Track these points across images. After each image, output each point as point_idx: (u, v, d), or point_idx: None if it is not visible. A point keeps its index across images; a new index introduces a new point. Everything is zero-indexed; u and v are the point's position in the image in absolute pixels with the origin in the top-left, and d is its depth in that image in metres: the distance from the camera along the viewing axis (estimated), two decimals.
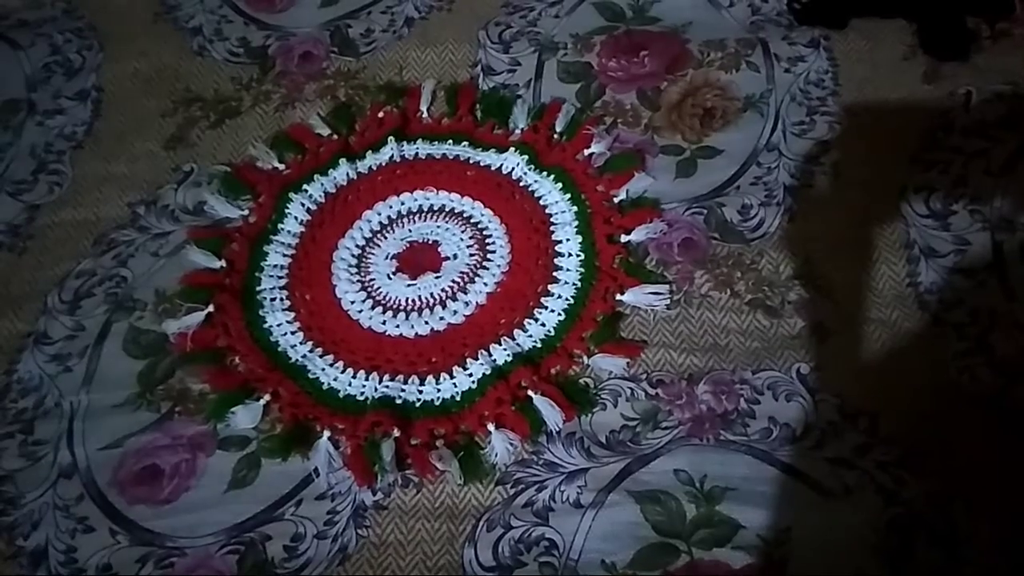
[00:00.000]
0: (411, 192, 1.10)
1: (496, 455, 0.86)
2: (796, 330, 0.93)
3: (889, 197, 1.01)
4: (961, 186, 1.01)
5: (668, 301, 0.95)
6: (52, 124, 1.22)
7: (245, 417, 0.91)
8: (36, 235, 1.11)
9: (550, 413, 0.88)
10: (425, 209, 1.08)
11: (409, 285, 1.01)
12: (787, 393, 0.88)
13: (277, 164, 1.14)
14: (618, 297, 0.97)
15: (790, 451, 0.85)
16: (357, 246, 1.06)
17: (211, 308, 1.00)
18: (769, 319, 0.94)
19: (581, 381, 0.92)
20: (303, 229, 1.08)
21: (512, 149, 1.11)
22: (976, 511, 0.80)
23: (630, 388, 0.90)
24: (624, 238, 1.01)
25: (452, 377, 0.93)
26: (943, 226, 0.98)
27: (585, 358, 0.93)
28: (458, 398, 0.92)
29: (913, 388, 0.88)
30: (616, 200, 1.05)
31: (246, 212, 1.10)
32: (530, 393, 0.90)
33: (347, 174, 1.12)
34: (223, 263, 1.05)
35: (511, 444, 0.87)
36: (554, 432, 0.88)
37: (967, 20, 1.15)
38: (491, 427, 0.88)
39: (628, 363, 0.92)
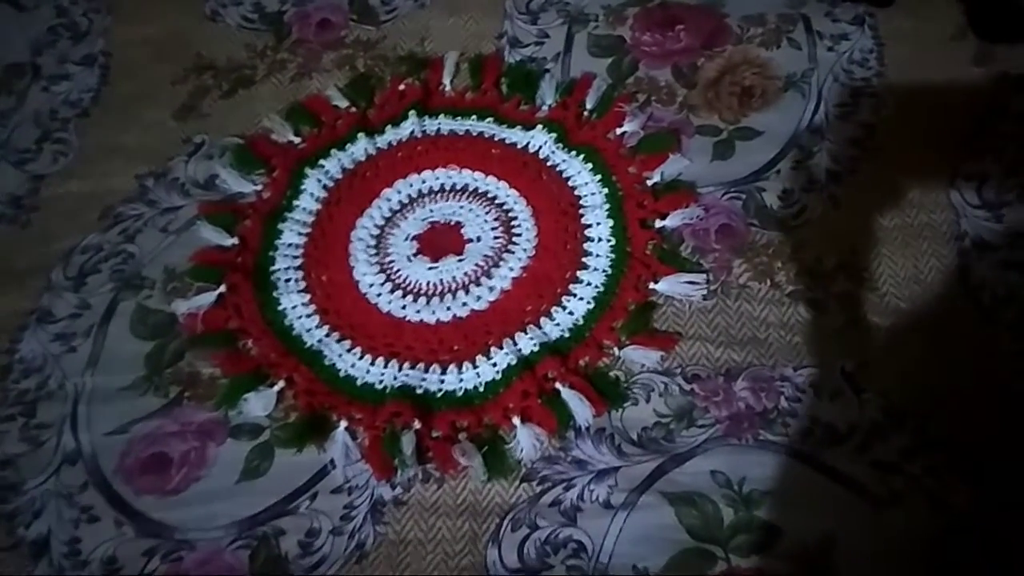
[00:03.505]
0: (433, 170, 1.05)
1: (522, 450, 0.82)
2: (840, 324, 0.88)
3: (938, 185, 0.96)
4: (1015, 175, 0.95)
5: (705, 291, 0.91)
6: (57, 90, 1.18)
7: (258, 404, 0.87)
8: (40, 207, 1.07)
9: (579, 407, 0.84)
10: (447, 188, 1.04)
11: (430, 268, 0.97)
12: (830, 391, 0.84)
13: (292, 137, 1.09)
14: (651, 286, 0.92)
15: (833, 453, 0.80)
16: (376, 226, 1.01)
17: (222, 288, 0.96)
18: (811, 312, 0.89)
19: (612, 374, 0.87)
20: (319, 206, 1.04)
21: (539, 126, 1.06)
22: None
23: (664, 383, 0.85)
24: (658, 223, 0.96)
25: (475, 367, 0.89)
26: (996, 217, 0.93)
27: (616, 349, 0.88)
28: (481, 389, 0.87)
29: (963, 389, 0.83)
30: (649, 183, 1.00)
31: (260, 187, 1.06)
32: (558, 385, 0.85)
33: (365, 149, 1.08)
34: (235, 240, 1.01)
35: (537, 439, 0.83)
36: (583, 427, 0.83)
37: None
38: (516, 421, 0.84)
39: (662, 356, 0.87)
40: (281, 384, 0.89)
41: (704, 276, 0.92)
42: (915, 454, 0.79)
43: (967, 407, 0.82)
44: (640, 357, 0.87)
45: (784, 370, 0.85)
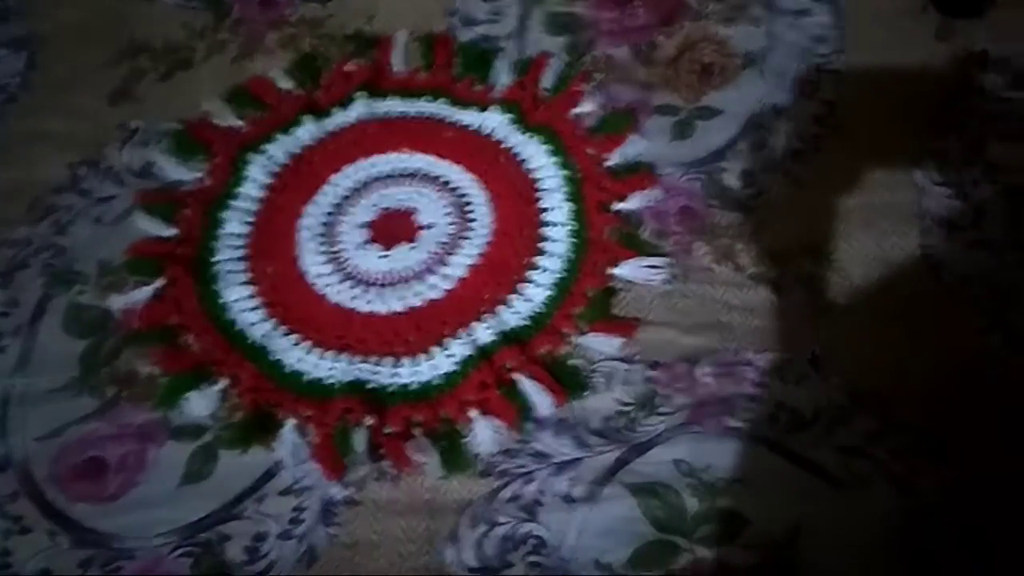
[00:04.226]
0: (383, 153, 1.01)
1: (480, 444, 0.79)
2: (803, 306, 0.86)
3: (900, 163, 0.95)
4: (977, 151, 0.94)
5: (665, 275, 0.88)
6: None
7: (200, 403, 0.83)
8: None
9: (538, 398, 0.81)
10: (399, 173, 1.00)
11: (382, 256, 0.93)
12: (795, 375, 0.82)
13: (234, 121, 1.05)
14: (611, 271, 0.89)
15: (799, 439, 0.78)
16: (324, 213, 0.97)
17: (161, 281, 0.92)
18: (774, 294, 0.87)
19: (571, 362, 0.84)
20: (264, 194, 0.99)
21: (494, 107, 1.03)
22: (998, 501, 0.74)
23: (625, 370, 0.83)
24: (618, 206, 0.93)
25: (431, 358, 0.85)
26: (959, 194, 0.92)
27: (576, 337, 0.85)
28: (437, 382, 0.84)
29: (928, 368, 0.81)
30: (608, 164, 0.96)
31: (200, 174, 1.01)
32: (516, 376, 0.82)
33: (312, 133, 1.03)
34: (174, 231, 0.96)
35: (496, 432, 0.80)
36: (543, 418, 0.80)
37: None
38: (474, 413, 0.81)
39: (623, 343, 0.84)
40: (224, 382, 0.84)
41: (665, 260, 0.89)
42: (881, 438, 0.77)
43: (932, 388, 0.80)
44: (601, 344, 0.84)
45: (747, 354, 0.83)
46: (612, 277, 0.89)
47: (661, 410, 0.80)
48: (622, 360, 0.83)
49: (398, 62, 1.08)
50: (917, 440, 0.77)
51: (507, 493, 0.77)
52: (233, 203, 0.98)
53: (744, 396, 0.80)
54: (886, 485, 0.75)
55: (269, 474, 0.80)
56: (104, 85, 1.09)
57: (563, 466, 0.78)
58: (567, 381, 0.82)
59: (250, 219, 0.97)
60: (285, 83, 1.07)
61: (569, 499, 0.76)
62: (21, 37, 1.14)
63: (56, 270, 0.94)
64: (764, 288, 0.87)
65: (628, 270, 0.88)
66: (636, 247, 0.90)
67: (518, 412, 0.81)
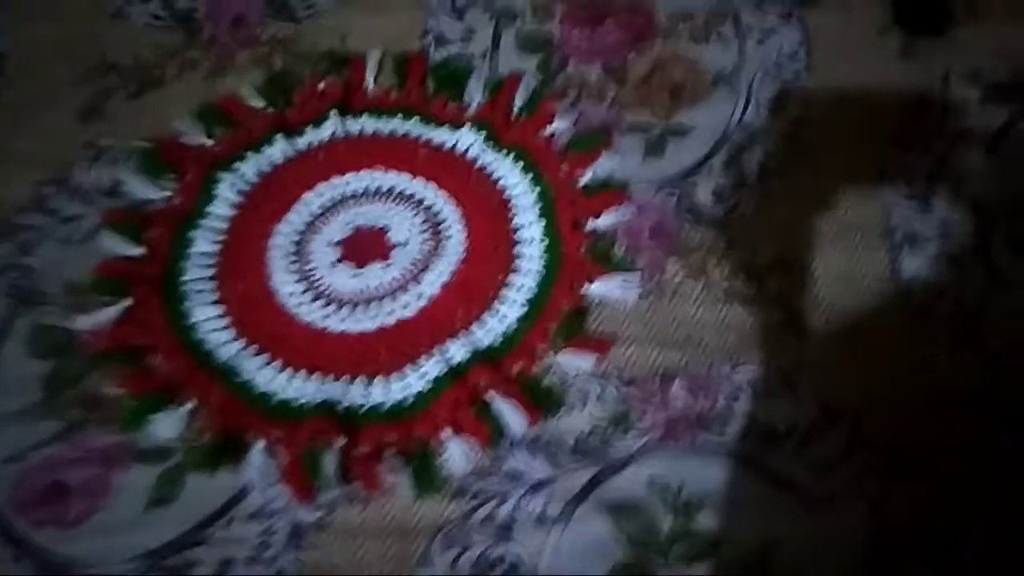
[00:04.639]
0: (356, 172, 1.00)
1: (452, 465, 0.78)
2: (775, 322, 0.86)
3: (867, 180, 0.96)
4: (943, 167, 0.95)
5: (639, 292, 0.88)
6: None
7: (166, 425, 0.81)
8: None
9: (512, 417, 0.80)
10: (371, 191, 0.99)
11: (354, 275, 0.92)
12: (767, 391, 0.82)
13: (205, 140, 1.03)
14: (585, 288, 0.89)
15: (771, 454, 0.78)
16: (295, 232, 0.96)
17: (128, 301, 0.89)
18: (746, 310, 0.87)
19: (546, 381, 0.84)
20: (234, 212, 0.97)
21: (467, 126, 1.02)
22: (967, 517, 0.74)
23: (599, 387, 0.82)
24: (591, 223, 0.93)
25: (403, 378, 0.84)
26: (925, 210, 0.93)
27: (550, 355, 0.85)
28: (410, 401, 0.83)
29: (899, 385, 0.82)
30: (581, 182, 0.96)
31: (169, 193, 0.99)
32: (490, 395, 0.81)
33: (284, 151, 1.02)
34: (142, 250, 0.94)
35: (469, 452, 0.79)
36: (516, 438, 0.79)
37: None
38: (447, 433, 0.80)
39: (597, 360, 0.84)
40: (192, 403, 0.82)
41: (638, 276, 0.89)
42: (852, 453, 0.78)
43: (903, 405, 0.81)
44: (575, 362, 0.84)
45: (721, 370, 0.83)
46: (586, 294, 0.88)
47: (636, 427, 0.80)
48: (596, 377, 0.83)
49: (370, 81, 1.07)
50: (888, 457, 0.78)
51: (481, 514, 0.76)
52: (202, 222, 0.96)
53: (718, 412, 0.80)
54: (859, 502, 0.76)
55: (237, 497, 0.78)
56: (73, 103, 1.06)
57: (537, 486, 0.77)
58: (541, 399, 0.82)
59: (220, 238, 0.95)
60: (256, 102, 1.05)
61: (544, 519, 0.75)
62: None
63: (21, 291, 0.92)
64: (736, 304, 0.87)
65: (602, 287, 0.88)
66: (610, 264, 0.90)
67: (491, 431, 0.80)
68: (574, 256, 0.91)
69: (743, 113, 1.02)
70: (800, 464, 0.77)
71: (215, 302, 0.90)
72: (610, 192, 0.95)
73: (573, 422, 0.81)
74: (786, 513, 0.75)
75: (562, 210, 0.94)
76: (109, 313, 0.88)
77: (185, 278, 0.92)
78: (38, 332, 0.89)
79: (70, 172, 1.00)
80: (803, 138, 0.99)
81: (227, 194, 0.98)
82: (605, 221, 0.93)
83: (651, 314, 0.87)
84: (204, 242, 0.95)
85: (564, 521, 0.75)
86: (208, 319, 0.89)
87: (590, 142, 0.99)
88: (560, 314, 0.87)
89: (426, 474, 0.78)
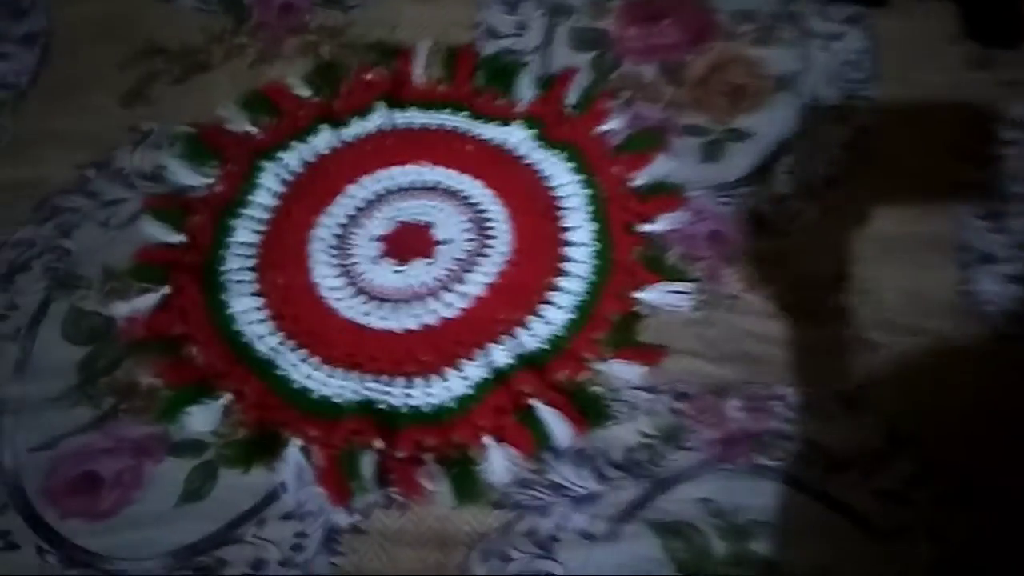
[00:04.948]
0: (401, 165, 0.98)
1: (494, 473, 0.75)
2: (837, 340, 0.82)
3: (937, 193, 0.91)
4: (1018, 183, 0.91)
5: (693, 302, 0.84)
6: None
7: (202, 418, 0.79)
8: None
9: (557, 426, 0.77)
10: (417, 185, 0.96)
11: (397, 272, 0.89)
12: (827, 413, 0.77)
13: (249, 127, 1.01)
14: (636, 295, 0.85)
15: (832, 480, 0.74)
16: (338, 224, 0.94)
17: (167, 289, 0.88)
18: (807, 326, 0.83)
19: (592, 390, 0.80)
20: (276, 202, 0.96)
21: (517, 122, 0.99)
22: None
23: (649, 401, 0.79)
24: (644, 227, 0.89)
25: (445, 380, 0.81)
26: (999, 228, 0.88)
27: (597, 363, 0.81)
28: (451, 405, 0.80)
29: (969, 412, 0.77)
30: (634, 184, 0.93)
31: (211, 180, 0.97)
32: (534, 402, 0.78)
33: (328, 142, 1.00)
34: (183, 238, 0.92)
35: (511, 461, 0.76)
36: (561, 449, 0.76)
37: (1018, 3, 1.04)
38: (488, 440, 0.77)
39: (647, 371, 0.80)
40: (228, 397, 0.80)
41: (692, 285, 0.85)
42: (919, 483, 0.73)
43: (972, 432, 0.76)
44: (624, 372, 0.80)
45: (778, 388, 0.79)
46: (637, 302, 0.85)
47: (687, 444, 0.76)
48: (646, 390, 0.79)
49: (419, 73, 1.04)
50: (956, 486, 0.73)
51: (522, 526, 0.73)
52: (244, 211, 0.95)
53: (775, 433, 0.76)
54: (923, 531, 0.71)
55: (271, 496, 0.75)
56: (118, 85, 1.05)
57: (582, 500, 0.74)
58: (588, 409, 0.78)
59: (261, 228, 0.93)
60: (303, 90, 1.03)
61: (588, 536, 0.72)
62: (35, 33, 1.11)
63: (59, 274, 0.91)
64: (797, 319, 0.83)
65: (654, 295, 0.85)
66: (662, 271, 0.86)
67: (535, 440, 0.76)
68: (625, 261, 0.87)
69: (805, 120, 0.97)
70: (862, 491, 0.73)
71: (255, 293, 0.88)
72: (665, 196, 0.91)
73: (621, 435, 0.77)
74: (846, 542, 0.71)
75: (614, 212, 0.91)
76: (147, 300, 0.87)
77: (225, 268, 0.90)
78: (74, 317, 0.88)
79: (112, 155, 1.00)
80: (868, 148, 0.95)
81: (270, 183, 0.96)
82: (659, 226, 0.89)
83: (706, 326, 0.83)
84: (245, 231, 0.93)
85: (610, 539, 0.72)
86: (247, 310, 0.87)
87: (644, 143, 0.96)
88: (609, 321, 0.84)
89: (466, 482, 0.75)
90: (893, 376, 0.79)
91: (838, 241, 0.88)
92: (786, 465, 0.75)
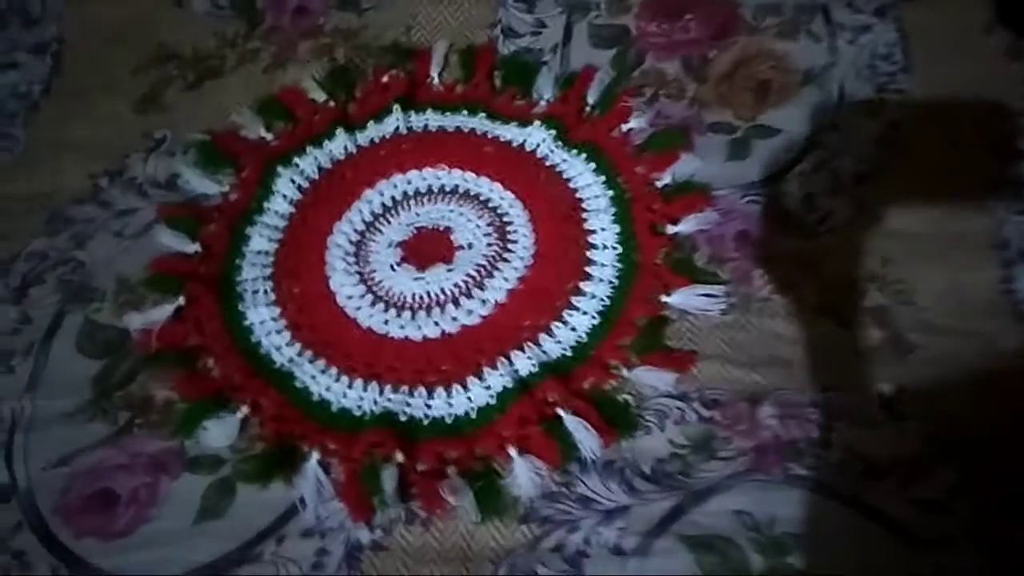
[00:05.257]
0: (419, 169, 0.95)
1: (519, 486, 0.72)
2: (874, 343, 0.78)
3: (973, 189, 0.87)
4: None
5: (723, 305, 0.81)
6: (4, 81, 1.08)
7: (219, 433, 0.77)
8: None
9: (584, 436, 0.74)
10: (435, 189, 0.94)
11: (416, 278, 0.87)
12: (866, 419, 0.74)
13: (264, 133, 0.99)
14: (663, 299, 0.82)
15: (871, 490, 0.71)
16: (355, 231, 0.92)
17: (182, 300, 0.86)
18: (842, 329, 0.79)
19: (620, 398, 0.77)
20: (292, 210, 0.94)
21: (537, 122, 0.96)
22: None
23: (679, 409, 0.76)
24: (670, 229, 0.86)
25: (466, 390, 0.79)
26: None
27: (624, 370, 0.79)
28: (473, 415, 0.77)
29: (1015, 417, 0.74)
30: (659, 184, 0.90)
31: (226, 188, 0.96)
32: (559, 411, 0.75)
33: (345, 147, 0.98)
34: (198, 247, 0.91)
35: (537, 473, 0.73)
36: (589, 460, 0.73)
37: None
38: (513, 452, 0.74)
39: (677, 378, 0.77)
40: (246, 410, 0.78)
41: (722, 288, 0.82)
42: (963, 491, 0.70)
43: (1019, 438, 0.73)
44: (652, 379, 0.77)
45: (814, 394, 0.76)
46: (664, 305, 0.82)
47: (720, 454, 0.73)
48: (676, 397, 0.77)
49: (436, 74, 1.02)
50: (1003, 495, 0.70)
51: (550, 542, 0.70)
52: (260, 219, 0.93)
53: (811, 441, 0.73)
54: (968, 543, 0.68)
55: (290, 513, 0.73)
56: (130, 93, 1.04)
57: (611, 514, 0.71)
58: (615, 419, 0.75)
59: (277, 236, 0.92)
60: (318, 94, 1.01)
61: (619, 551, 0.69)
62: (46, 42, 1.10)
63: (73, 286, 0.89)
64: (831, 321, 0.80)
65: (682, 298, 0.82)
66: (690, 273, 0.83)
67: (561, 451, 0.74)
68: (651, 264, 0.85)
69: (834, 115, 0.94)
70: (904, 501, 0.69)
71: (272, 303, 0.87)
72: (691, 195, 0.88)
73: (650, 445, 0.74)
74: (886, 553, 0.68)
75: (638, 214, 0.88)
76: (162, 312, 0.85)
77: (241, 277, 0.89)
78: (88, 329, 0.86)
79: (125, 164, 0.99)
80: (901, 143, 0.91)
81: (285, 190, 0.95)
82: (685, 227, 0.86)
83: (736, 330, 0.80)
84: (261, 240, 0.91)
85: (641, 555, 0.69)
86: (264, 321, 0.85)
87: (668, 142, 0.93)
88: (636, 326, 0.81)
89: (491, 495, 0.72)
90: (933, 380, 0.76)
91: (871, 240, 0.85)
92: (822, 474, 0.72)
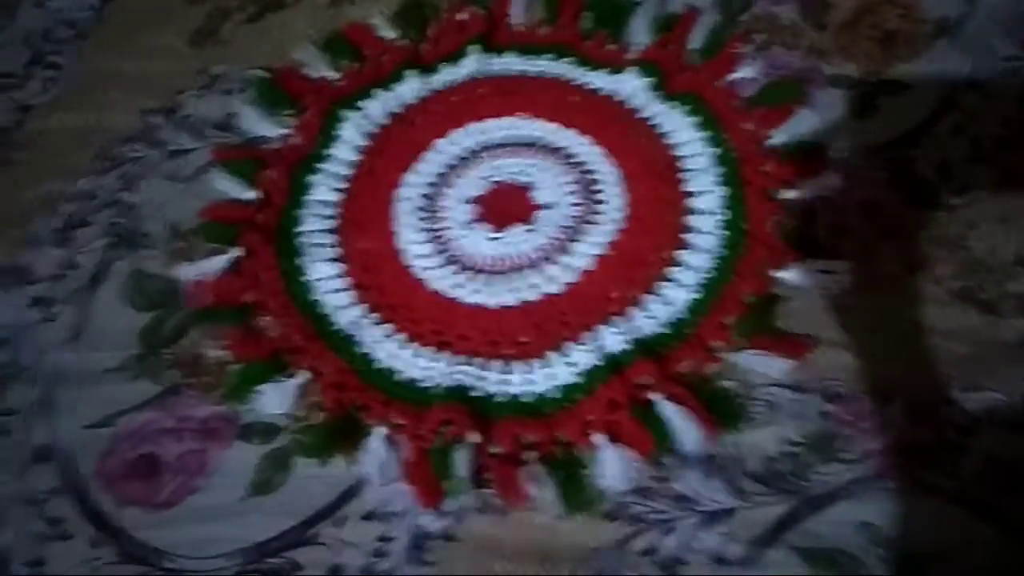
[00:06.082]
0: (497, 118, 0.88)
1: (607, 479, 0.64)
2: (1020, 335, 0.68)
3: None
4: None
5: (845, 283, 0.71)
6: (53, 6, 1.04)
7: (274, 399, 0.71)
8: (24, 143, 0.93)
9: (682, 426, 0.65)
10: (515, 141, 0.86)
11: (492, 239, 0.79)
12: (1011, 421, 0.64)
13: (328, 72, 0.93)
14: (775, 274, 0.72)
15: (1017, 504, 0.61)
16: (426, 184, 0.84)
17: (238, 251, 0.80)
18: (984, 316, 0.69)
19: (723, 385, 0.68)
20: (358, 157, 0.87)
21: (630, 69, 0.87)
22: None
23: (794, 401, 0.67)
24: (784, 194, 0.76)
25: (547, 366, 0.71)
26: None
27: (728, 353, 0.70)
28: (556, 395, 0.69)
29: None
30: (771, 143, 0.80)
31: (287, 131, 0.89)
32: (654, 396, 0.67)
33: (416, 90, 0.91)
34: (256, 194, 0.84)
35: (628, 465, 0.65)
36: (687, 454, 0.65)
37: None
38: (600, 439, 0.66)
39: (791, 365, 0.68)
40: (304, 375, 0.71)
41: (844, 264, 0.72)
42: None
43: None
44: (762, 365, 0.68)
45: (950, 392, 0.66)
46: (776, 281, 0.72)
47: (841, 456, 0.64)
48: (790, 387, 0.67)
49: (518, 13, 0.94)
50: None
51: (640, 544, 0.63)
52: (323, 166, 0.86)
53: (947, 446, 0.64)
54: None
55: (351, 492, 0.67)
56: (186, 24, 0.99)
57: (713, 517, 0.63)
58: (718, 408, 0.67)
59: (341, 186, 0.85)
60: (387, 32, 0.94)
61: (720, 560, 0.61)
62: None
63: (121, 230, 0.84)
64: (970, 307, 0.70)
65: (797, 274, 0.72)
66: (807, 246, 0.73)
67: (655, 442, 0.65)
68: (762, 233, 0.75)
69: (972, 70, 0.83)
70: None
71: (334, 259, 0.80)
72: (808, 157, 0.78)
73: (760, 441, 0.66)
74: None
75: (747, 176, 0.78)
76: (216, 263, 0.80)
77: (302, 229, 0.82)
78: (137, 279, 0.81)
79: (180, 100, 0.93)
80: None
81: (351, 136, 0.88)
82: (802, 193, 0.76)
83: (860, 313, 0.70)
84: (324, 189, 0.85)
85: (747, 565, 0.61)
86: (326, 278, 0.79)
87: (782, 95, 0.83)
88: (742, 304, 0.72)
89: (574, 486, 0.65)
90: None
91: (1016, 217, 0.74)
92: (959, 484, 0.62)
